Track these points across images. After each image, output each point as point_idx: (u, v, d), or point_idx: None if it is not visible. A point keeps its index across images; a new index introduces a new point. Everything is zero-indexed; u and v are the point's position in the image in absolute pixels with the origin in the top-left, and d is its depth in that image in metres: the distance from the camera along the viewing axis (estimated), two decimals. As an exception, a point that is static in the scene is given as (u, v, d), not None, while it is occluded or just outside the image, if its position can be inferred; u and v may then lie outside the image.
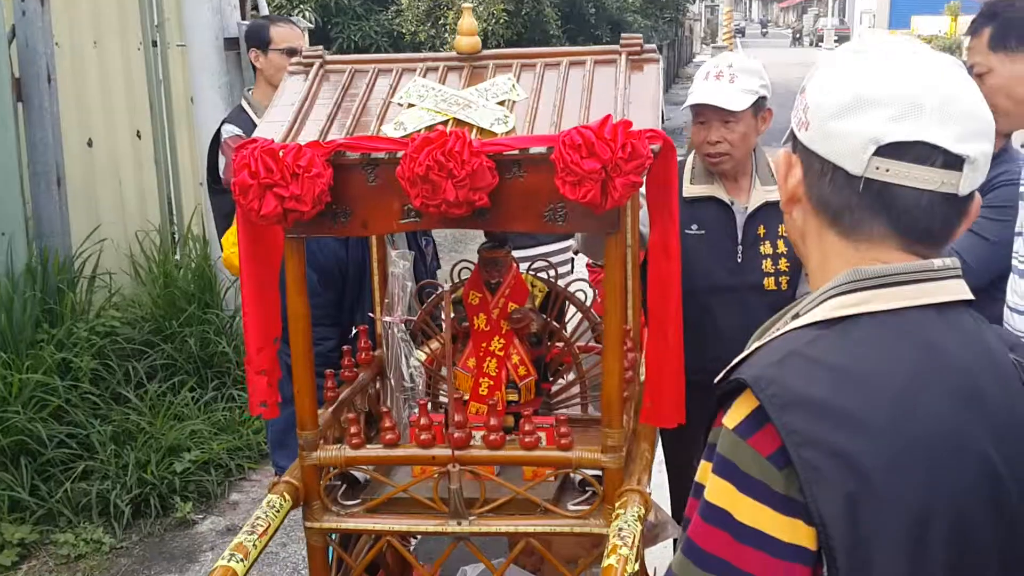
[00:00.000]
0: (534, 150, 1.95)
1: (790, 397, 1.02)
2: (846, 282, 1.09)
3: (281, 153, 1.95)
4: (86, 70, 5.33)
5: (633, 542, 1.90)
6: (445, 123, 2.04)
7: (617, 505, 2.06)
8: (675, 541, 3.25)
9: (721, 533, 1.04)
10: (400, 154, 1.95)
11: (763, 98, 2.89)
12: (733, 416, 1.06)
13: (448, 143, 1.90)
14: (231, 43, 5.16)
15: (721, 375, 1.16)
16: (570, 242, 5.17)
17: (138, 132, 5.78)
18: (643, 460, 2.26)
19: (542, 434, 2.25)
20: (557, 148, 1.88)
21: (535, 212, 2.00)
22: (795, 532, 1.01)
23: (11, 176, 4.70)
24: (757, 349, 1.11)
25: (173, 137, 6.07)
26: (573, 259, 4.91)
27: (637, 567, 1.89)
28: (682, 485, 3.18)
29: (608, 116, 1.88)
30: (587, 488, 2.27)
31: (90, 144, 5.33)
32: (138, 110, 5.78)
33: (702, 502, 1.07)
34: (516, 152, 1.95)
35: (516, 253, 2.91)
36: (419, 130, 2.03)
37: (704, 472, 1.09)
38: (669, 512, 3.00)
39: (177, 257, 5.82)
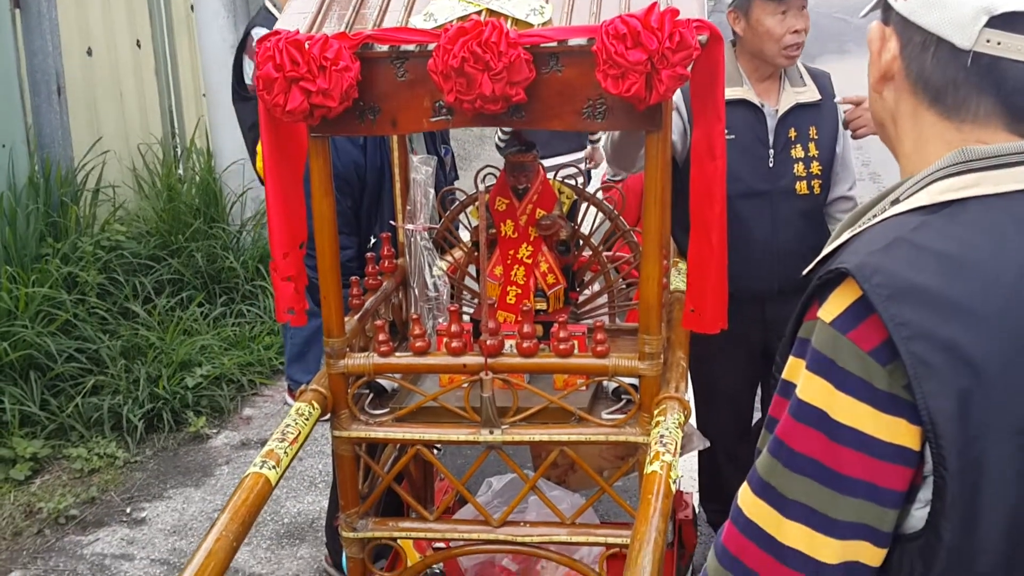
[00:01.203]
0: (574, 41, 1.84)
1: (898, 286, 0.94)
2: (953, 164, 1.00)
3: (307, 45, 1.84)
4: (83, -25, 5.15)
5: (675, 449, 1.85)
6: (477, 14, 1.93)
7: (656, 413, 2.01)
8: (700, 454, 3.23)
9: (815, 433, 0.97)
10: (432, 46, 1.85)
11: None
12: (831, 308, 0.98)
13: (484, 34, 1.79)
14: (232, -54, 4.97)
15: (812, 265, 1.08)
16: (582, 154, 5.04)
17: (138, 41, 5.61)
18: (679, 368, 2.20)
19: (575, 342, 2.19)
20: (599, 38, 1.77)
21: (573, 109, 1.91)
22: (897, 431, 0.94)
23: (10, 85, 4.56)
24: (854, 237, 1.03)
25: (174, 47, 5.90)
26: (590, 171, 4.80)
27: (680, 474, 1.84)
28: (708, 397, 3.13)
29: (654, 3, 1.77)
30: (621, 396, 2.22)
31: (90, 53, 5.17)
32: (138, 18, 5.60)
33: (793, 400, 1.00)
34: (555, 44, 1.84)
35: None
36: (450, 21, 1.92)
37: (794, 369, 1.02)
38: (694, 424, 2.97)
39: (180, 171, 5.70)
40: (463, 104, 1.85)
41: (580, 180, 2.60)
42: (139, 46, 5.61)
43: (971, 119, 1.02)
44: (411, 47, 1.90)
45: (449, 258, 2.67)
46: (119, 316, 4.63)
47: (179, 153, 5.89)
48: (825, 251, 1.06)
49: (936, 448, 0.92)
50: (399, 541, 2.38)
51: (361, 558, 2.29)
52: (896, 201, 1.04)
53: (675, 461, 1.80)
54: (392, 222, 2.68)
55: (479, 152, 9.14)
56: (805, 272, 1.08)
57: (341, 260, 2.92)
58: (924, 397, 0.91)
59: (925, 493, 0.95)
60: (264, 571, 3.29)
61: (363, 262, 2.66)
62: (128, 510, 3.66)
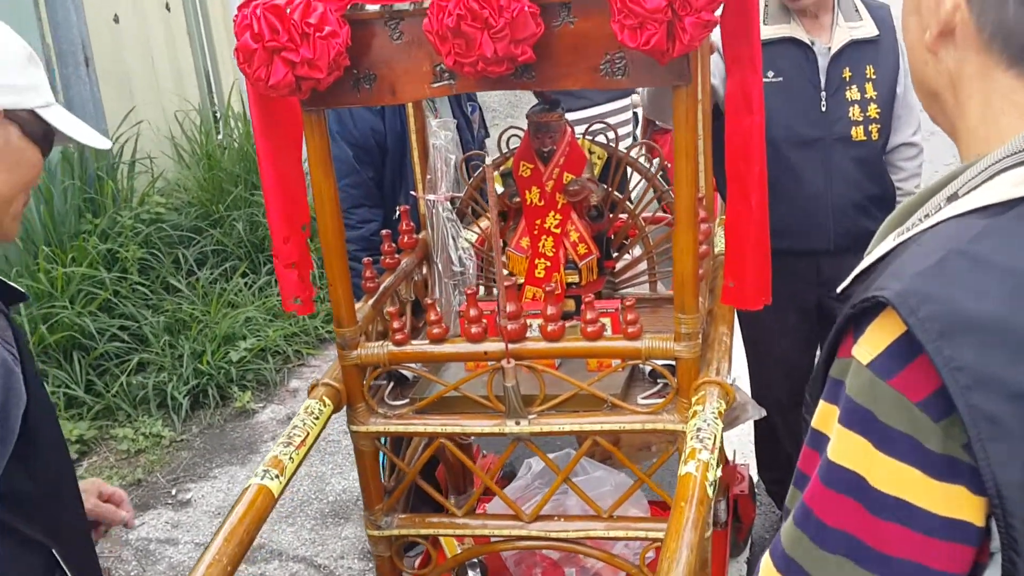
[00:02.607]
0: (586, -11, 1.63)
1: (953, 318, 0.72)
2: None
3: (288, 10, 1.66)
4: (106, -60, 5.01)
5: (714, 444, 1.66)
6: (478, -36, 1.72)
7: (694, 400, 1.81)
8: (757, 424, 3.03)
9: (850, 503, 0.77)
10: (428, 3, 1.65)
11: None
12: (868, 346, 0.77)
13: (482, -14, 1.59)
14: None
15: (846, 283, 0.87)
16: (628, 100, 4.65)
17: (167, 4, 5.47)
18: (722, 346, 1.99)
19: (606, 320, 2.00)
20: (613, -15, 1.55)
21: (589, 65, 1.69)
22: (954, 503, 0.74)
23: (37, 60, 4.46)
24: (899, 247, 0.81)
25: (205, 7, 5.75)
26: (636, 115, 4.46)
27: (719, 473, 1.65)
28: (761, 362, 2.92)
29: (675, -60, 1.54)
30: (659, 379, 2.03)
31: (116, 20, 5.05)
32: (166, -19, 5.46)
33: (823, 461, 0.80)
34: (564, -7, 1.63)
35: (567, 116, 2.60)
36: (448, -25, 1.71)
37: (825, 418, 0.81)
38: (748, 392, 2.77)
39: (219, 137, 5.59)
40: (464, 68, 1.65)
41: (614, 135, 2.38)
42: (168, 8, 5.47)
43: None
44: (405, 5, 1.70)
45: (476, 229, 2.49)
46: (162, 291, 4.56)
47: (217, 118, 5.77)
48: (865, 261, 0.84)
49: (1005, 527, 0.71)
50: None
51: (388, 556, 2.15)
52: (954, 197, 0.81)
53: (713, 459, 1.61)
54: (412, 192, 2.50)
55: (530, 97, 8.85)
56: (840, 289, 0.87)
57: (366, 234, 2.79)
58: (989, 462, 0.70)
59: (993, 572, 0.75)
60: (308, 553, 3.20)
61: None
62: (173, 491, 3.60)
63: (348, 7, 1.70)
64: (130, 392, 4.05)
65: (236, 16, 1.71)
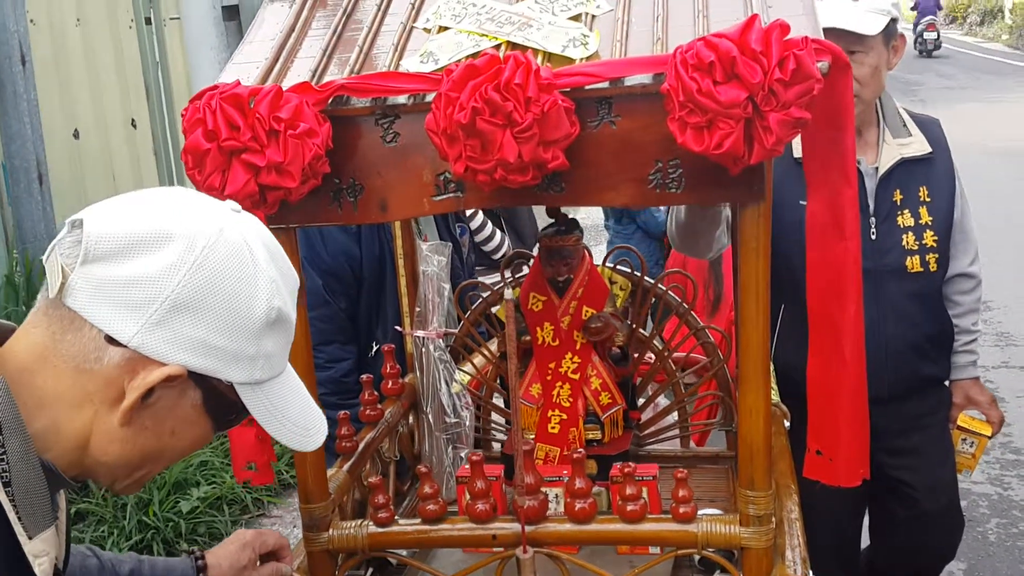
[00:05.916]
0: (634, 79, 1.28)
1: None
2: None
3: (252, 102, 1.29)
4: (68, 51, 4.71)
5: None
6: (495, 48, 1.38)
7: (771, 607, 1.39)
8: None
9: None
10: (431, 96, 1.30)
11: (894, 20, 2.22)
12: None
13: (505, 73, 1.23)
14: (230, 12, 4.52)
15: None
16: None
17: (133, 120, 5.16)
18: (794, 528, 1.59)
19: (645, 496, 1.59)
20: (672, 71, 1.21)
21: (634, 175, 1.34)
22: None
23: (-16, 175, 4.12)
24: None
25: (174, 124, 5.45)
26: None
27: None
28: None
29: (755, 16, 1.20)
30: (713, 566, 1.60)
31: (76, 135, 4.72)
32: (132, 95, 5.16)
33: None
34: (606, 84, 1.28)
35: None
36: (457, 61, 1.37)
37: None
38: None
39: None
40: (477, 175, 1.29)
41: (642, 264, 2.01)
42: (134, 125, 5.16)
43: None
44: (402, 99, 1.34)
45: (469, 368, 2.08)
46: (107, 429, 4.08)
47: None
48: None
49: None
50: None
51: None
52: None
53: None
54: (398, 328, 2.11)
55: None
56: None
57: (336, 375, 2.36)
58: None
59: None
60: None
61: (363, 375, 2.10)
62: (102, 673, 3.06)
63: (330, 100, 1.34)
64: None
65: (186, 109, 1.35)
